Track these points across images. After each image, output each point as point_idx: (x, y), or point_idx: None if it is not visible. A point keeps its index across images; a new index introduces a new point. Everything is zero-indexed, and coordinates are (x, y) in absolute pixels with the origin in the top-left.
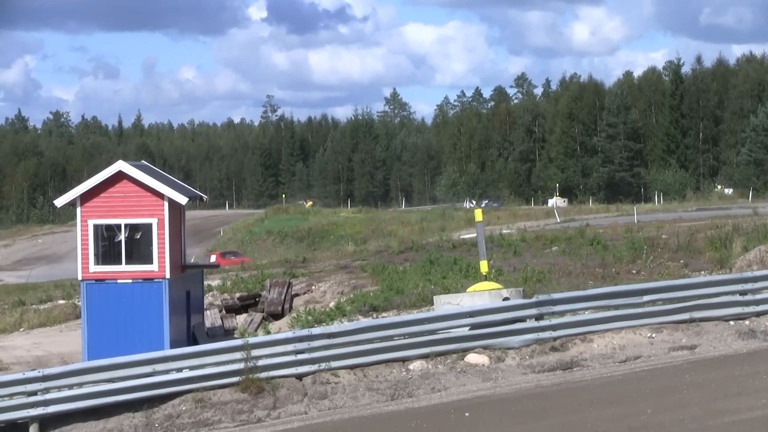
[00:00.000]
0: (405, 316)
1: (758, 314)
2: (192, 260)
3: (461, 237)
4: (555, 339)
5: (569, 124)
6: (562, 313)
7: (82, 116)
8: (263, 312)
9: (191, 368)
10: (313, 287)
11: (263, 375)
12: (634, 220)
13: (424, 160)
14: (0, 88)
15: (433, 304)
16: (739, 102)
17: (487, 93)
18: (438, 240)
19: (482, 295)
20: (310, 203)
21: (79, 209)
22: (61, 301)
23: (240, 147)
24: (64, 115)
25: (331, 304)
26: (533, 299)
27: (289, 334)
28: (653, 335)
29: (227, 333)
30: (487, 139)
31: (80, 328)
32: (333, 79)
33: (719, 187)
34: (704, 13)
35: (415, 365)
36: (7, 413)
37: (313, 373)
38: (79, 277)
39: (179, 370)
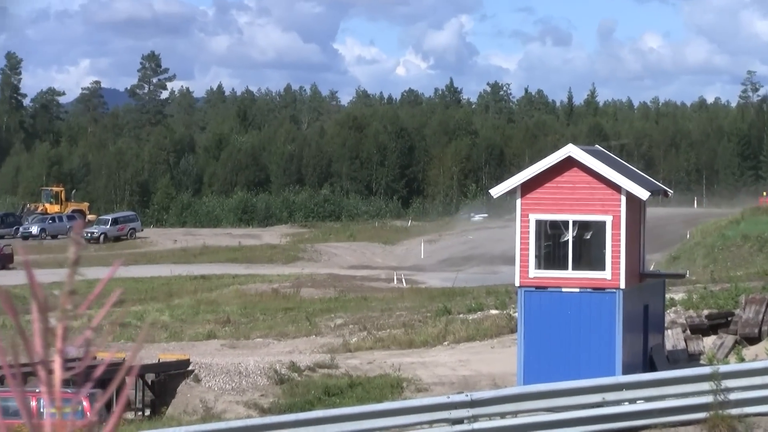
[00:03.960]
0: None
1: None
2: (651, 268)
3: None
4: None
5: None
6: None
7: (525, 89)
8: (736, 334)
9: (648, 399)
10: None
11: (735, 411)
12: None
13: None
14: (429, 53)
15: None
16: None
17: None
18: None
19: None
20: None
21: (519, 201)
22: (494, 311)
23: (713, 132)
24: (504, 88)
25: None
26: None
27: None
28: None
29: (691, 358)
30: None
31: (515, 345)
32: None
33: None
34: None
35: None
36: None
37: None
38: (517, 283)
39: (633, 401)
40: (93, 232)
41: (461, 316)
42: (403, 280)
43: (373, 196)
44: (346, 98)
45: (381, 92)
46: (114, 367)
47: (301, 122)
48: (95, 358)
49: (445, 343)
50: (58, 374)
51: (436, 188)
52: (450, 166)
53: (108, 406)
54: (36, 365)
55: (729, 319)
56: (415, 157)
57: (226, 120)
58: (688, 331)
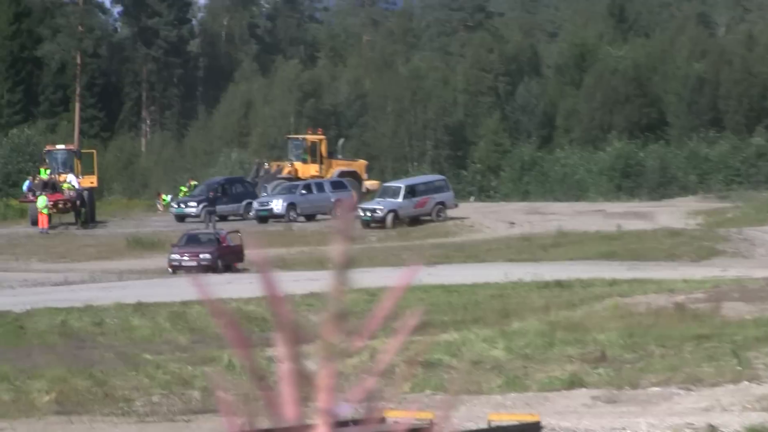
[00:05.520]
0: None
1: None
2: None
3: None
4: None
5: None
6: None
7: None
8: None
9: None
10: None
11: None
12: None
13: None
14: None
15: None
16: None
17: None
18: None
19: None
20: None
21: None
22: None
23: None
24: None
25: None
26: None
27: None
28: None
29: None
30: None
31: None
32: None
33: None
34: None
35: None
36: None
37: None
38: None
39: None
40: (375, 211)
41: None
42: None
43: None
44: None
45: None
46: None
47: (715, 25)
48: (384, 419)
49: None
50: None
51: None
52: None
53: None
54: None
55: None
56: None
57: (591, 22)
58: None
